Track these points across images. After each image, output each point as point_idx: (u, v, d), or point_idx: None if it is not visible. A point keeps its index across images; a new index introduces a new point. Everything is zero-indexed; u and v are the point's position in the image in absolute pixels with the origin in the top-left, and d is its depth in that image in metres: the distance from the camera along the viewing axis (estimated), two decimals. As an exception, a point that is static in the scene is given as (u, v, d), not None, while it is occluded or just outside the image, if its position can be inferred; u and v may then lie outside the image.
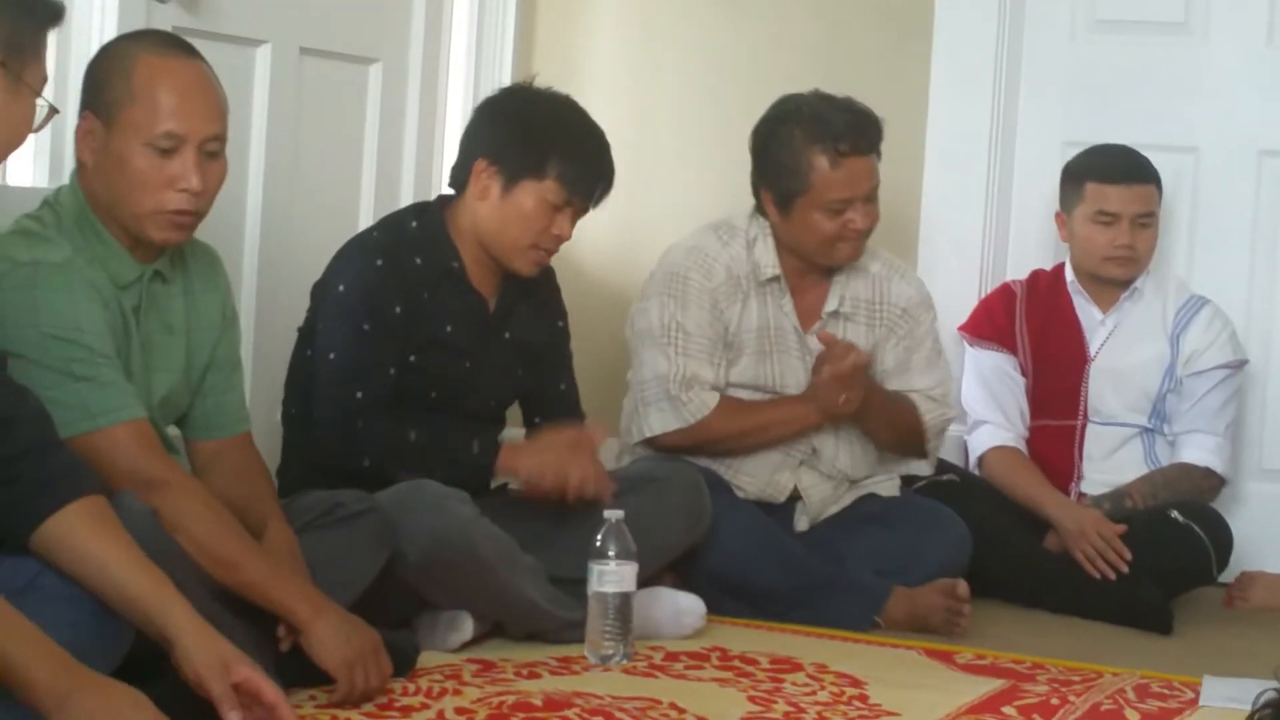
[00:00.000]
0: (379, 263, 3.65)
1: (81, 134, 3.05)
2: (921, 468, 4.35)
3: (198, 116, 3.03)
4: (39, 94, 2.58)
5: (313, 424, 3.64)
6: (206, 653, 2.59)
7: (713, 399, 4.04)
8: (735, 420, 4.06)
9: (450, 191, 3.82)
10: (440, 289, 3.70)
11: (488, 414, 3.84)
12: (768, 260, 4.12)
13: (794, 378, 4.12)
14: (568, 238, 3.74)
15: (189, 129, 3.01)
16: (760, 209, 4.14)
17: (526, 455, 3.68)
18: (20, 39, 2.56)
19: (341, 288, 3.65)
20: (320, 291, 3.72)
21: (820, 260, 4.13)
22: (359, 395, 3.59)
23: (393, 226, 3.77)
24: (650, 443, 4.07)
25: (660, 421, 4.04)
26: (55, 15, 2.65)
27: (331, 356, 3.62)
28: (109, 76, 3.04)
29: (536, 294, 3.87)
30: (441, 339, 3.70)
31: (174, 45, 3.09)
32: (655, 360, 4.05)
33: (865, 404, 4.07)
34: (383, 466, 3.56)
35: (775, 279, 4.12)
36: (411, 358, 3.66)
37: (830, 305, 4.17)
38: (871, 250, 4.20)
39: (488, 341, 3.77)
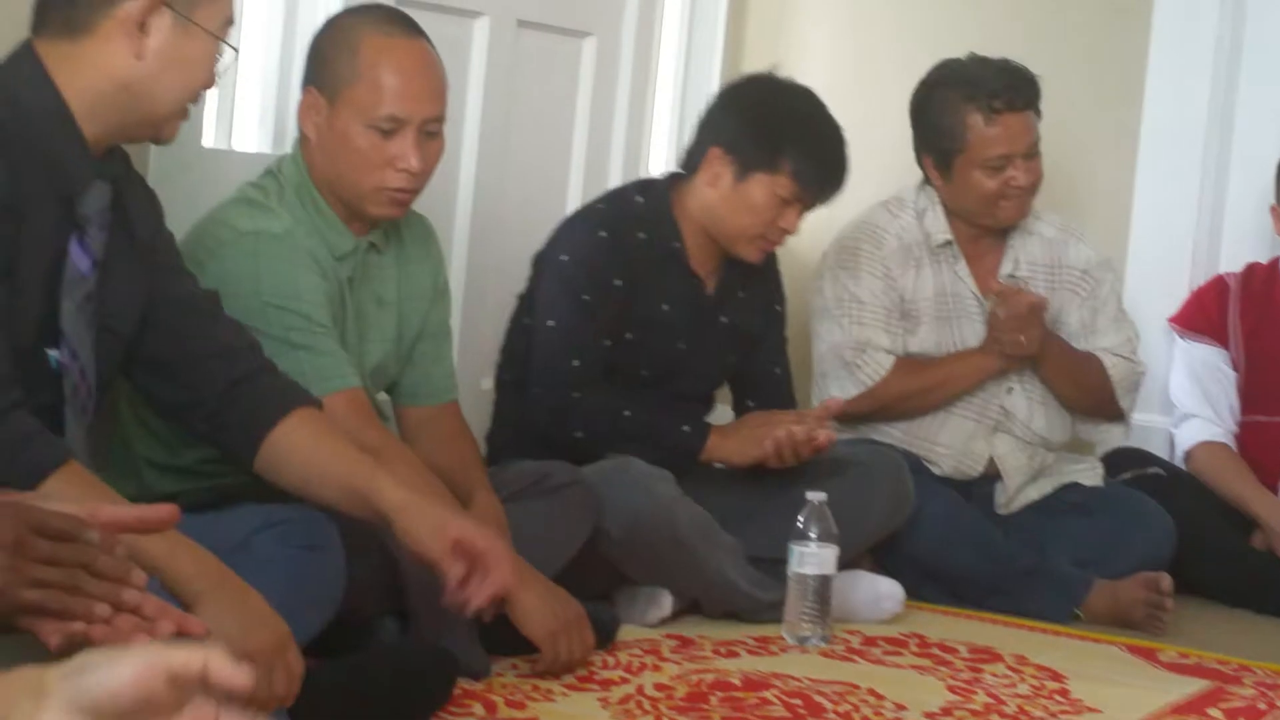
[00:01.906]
0: (602, 234, 3.68)
1: (305, 108, 3.09)
2: (1116, 435, 4.29)
3: (419, 99, 3.05)
4: (217, 35, 2.56)
5: (527, 391, 3.66)
6: (422, 521, 2.62)
7: (888, 361, 4.04)
8: (914, 378, 4.05)
9: (675, 170, 3.83)
10: (660, 268, 3.72)
11: (697, 395, 3.85)
12: (938, 227, 4.12)
13: (976, 342, 4.11)
14: (794, 231, 3.74)
15: (411, 111, 3.03)
16: (926, 179, 4.14)
17: (734, 441, 3.67)
18: None
19: (564, 257, 3.68)
20: (542, 261, 3.74)
21: (986, 221, 4.12)
22: (575, 364, 3.61)
23: (617, 200, 3.79)
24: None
25: (839, 390, 4.03)
26: None
27: (550, 324, 3.65)
28: (335, 53, 3.07)
29: (757, 278, 3.87)
30: (658, 318, 3.72)
31: (399, 23, 3.11)
32: (830, 332, 4.07)
33: (1045, 350, 4.06)
34: (594, 439, 3.58)
35: (947, 244, 4.13)
36: (628, 334, 3.68)
37: (1006, 268, 4.16)
38: (1044, 214, 4.21)
39: (703, 324, 3.78)
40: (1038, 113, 4.08)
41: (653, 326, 3.71)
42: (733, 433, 3.70)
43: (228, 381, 2.66)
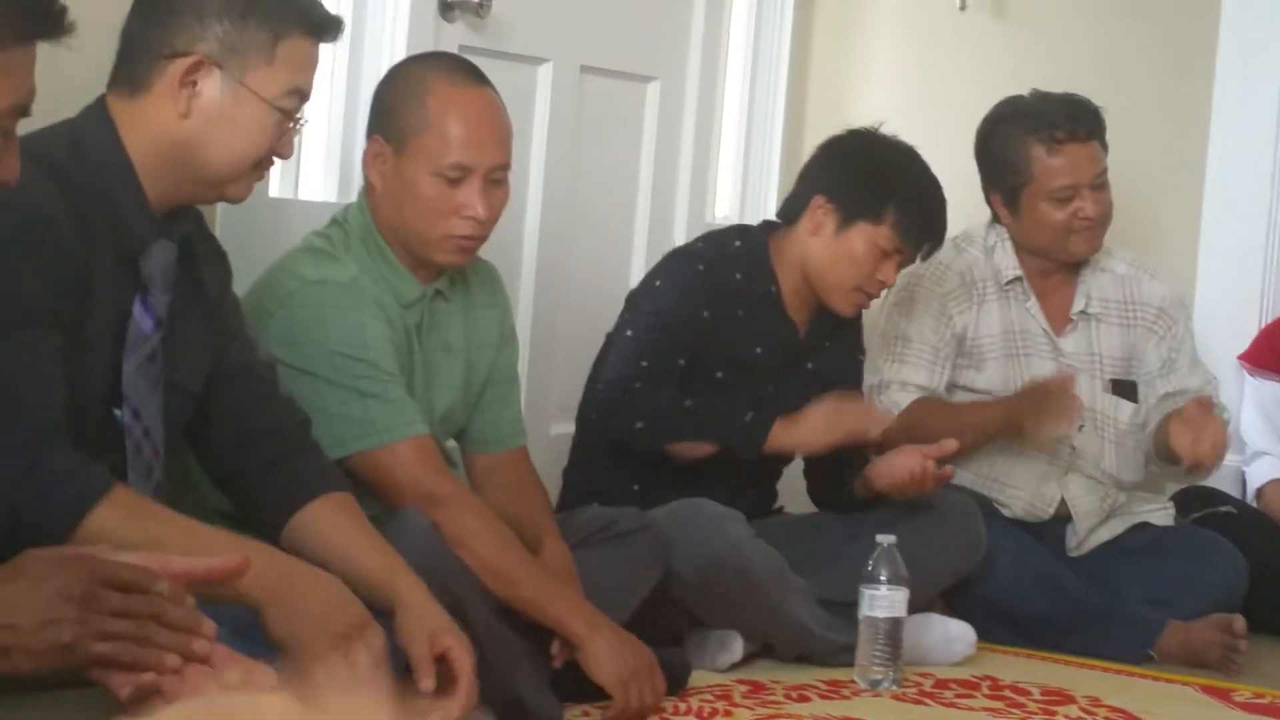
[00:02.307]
0: (700, 267, 3.71)
1: (370, 156, 3.10)
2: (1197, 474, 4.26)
3: (486, 148, 3.07)
4: (272, 103, 2.54)
5: (597, 391, 3.67)
6: (418, 622, 2.63)
7: (905, 399, 4.01)
8: (925, 423, 3.92)
9: (771, 220, 3.88)
10: (755, 309, 3.73)
11: None
12: (1008, 263, 4.11)
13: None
14: (891, 284, 3.78)
15: (477, 160, 3.05)
16: (995, 216, 4.13)
17: (803, 428, 3.61)
18: (239, 39, 2.52)
19: (659, 283, 3.71)
20: (636, 295, 3.76)
21: (1058, 256, 4.11)
22: (643, 365, 3.61)
23: (716, 241, 3.83)
24: None
25: None
26: (298, 22, 2.57)
27: (629, 333, 3.67)
28: (401, 102, 3.08)
29: (844, 327, 3.87)
30: (749, 359, 3.72)
31: (465, 72, 3.12)
32: (869, 373, 4.05)
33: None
34: (654, 431, 3.55)
35: (1017, 280, 4.10)
36: (719, 374, 3.68)
37: (1078, 305, 4.14)
38: (1115, 250, 4.19)
39: (792, 369, 3.79)
40: (1104, 144, 4.07)
41: (744, 367, 3.71)
42: (801, 420, 3.62)
43: (270, 459, 2.69)
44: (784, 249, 3.77)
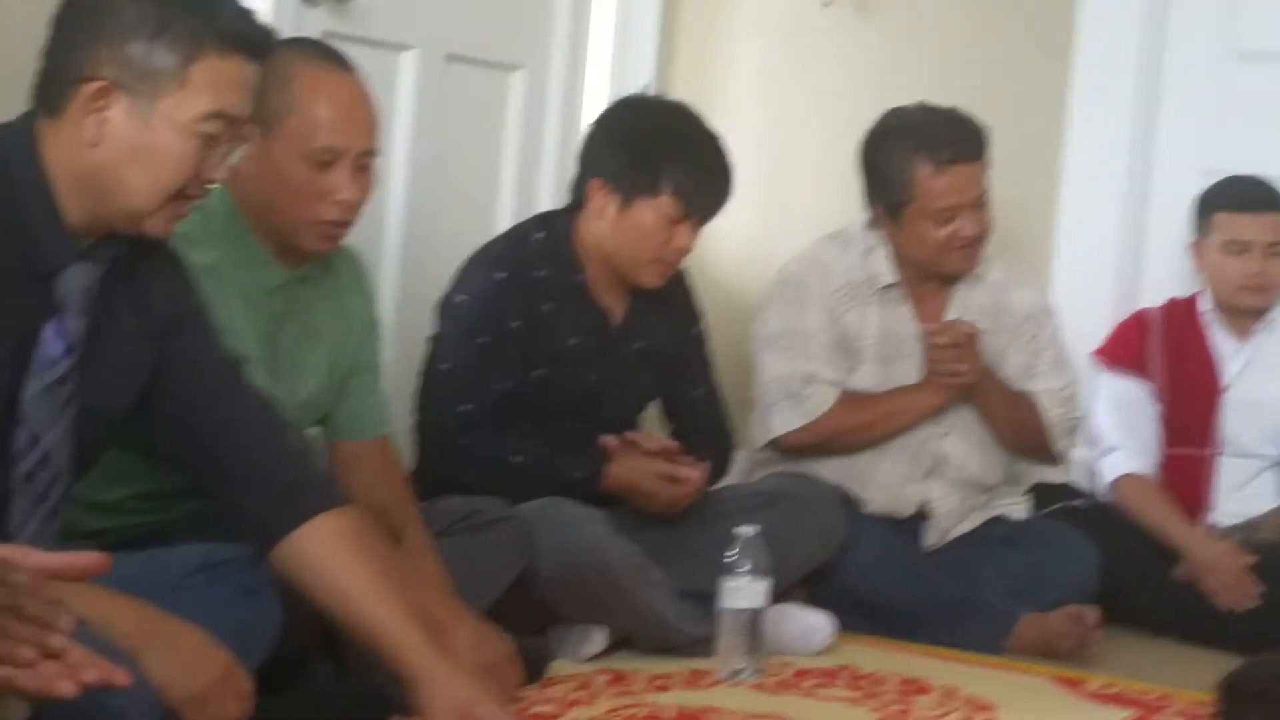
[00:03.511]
0: (500, 275, 3.67)
1: None
2: (1054, 475, 4.33)
3: (354, 131, 3.05)
4: (191, 128, 2.38)
5: (420, 436, 3.65)
6: (440, 696, 2.61)
7: (833, 394, 4.05)
8: (858, 412, 4.05)
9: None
10: (564, 302, 3.72)
11: (620, 423, 3.84)
12: (884, 269, 4.14)
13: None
14: (690, 249, 3.76)
15: (346, 143, 3.03)
16: (874, 221, 4.16)
17: (629, 481, 3.68)
18: (149, 61, 2.36)
19: (461, 298, 3.68)
20: (443, 309, 3.73)
21: (935, 270, 4.15)
22: (467, 408, 3.59)
23: (516, 238, 3.79)
24: (775, 445, 4.08)
25: (783, 421, 4.05)
26: (216, 40, 2.39)
27: (443, 367, 3.64)
28: (267, 87, 2.99)
29: (669, 301, 3.88)
30: (566, 352, 3.72)
31: (333, 58, 3.11)
32: (775, 364, 4.08)
33: (983, 385, 4.09)
34: (486, 487, 3.52)
35: (893, 286, 4.14)
36: (536, 372, 3.68)
37: (951, 314, 4.18)
38: (992, 260, 4.22)
39: (614, 353, 3.78)
40: (986, 163, 4.10)
41: (562, 360, 3.71)
42: (630, 475, 3.69)
43: (251, 467, 2.61)
44: (582, 233, 3.75)
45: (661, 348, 3.87)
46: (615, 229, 3.70)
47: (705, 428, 3.93)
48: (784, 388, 4.06)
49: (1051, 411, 4.19)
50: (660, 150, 3.69)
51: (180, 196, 2.43)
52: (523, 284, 3.67)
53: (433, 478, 3.59)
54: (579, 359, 3.73)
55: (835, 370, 4.08)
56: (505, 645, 3.10)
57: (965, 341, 4.04)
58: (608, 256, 3.74)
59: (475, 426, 3.59)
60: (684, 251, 3.75)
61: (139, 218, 2.41)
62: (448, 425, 3.59)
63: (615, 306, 3.80)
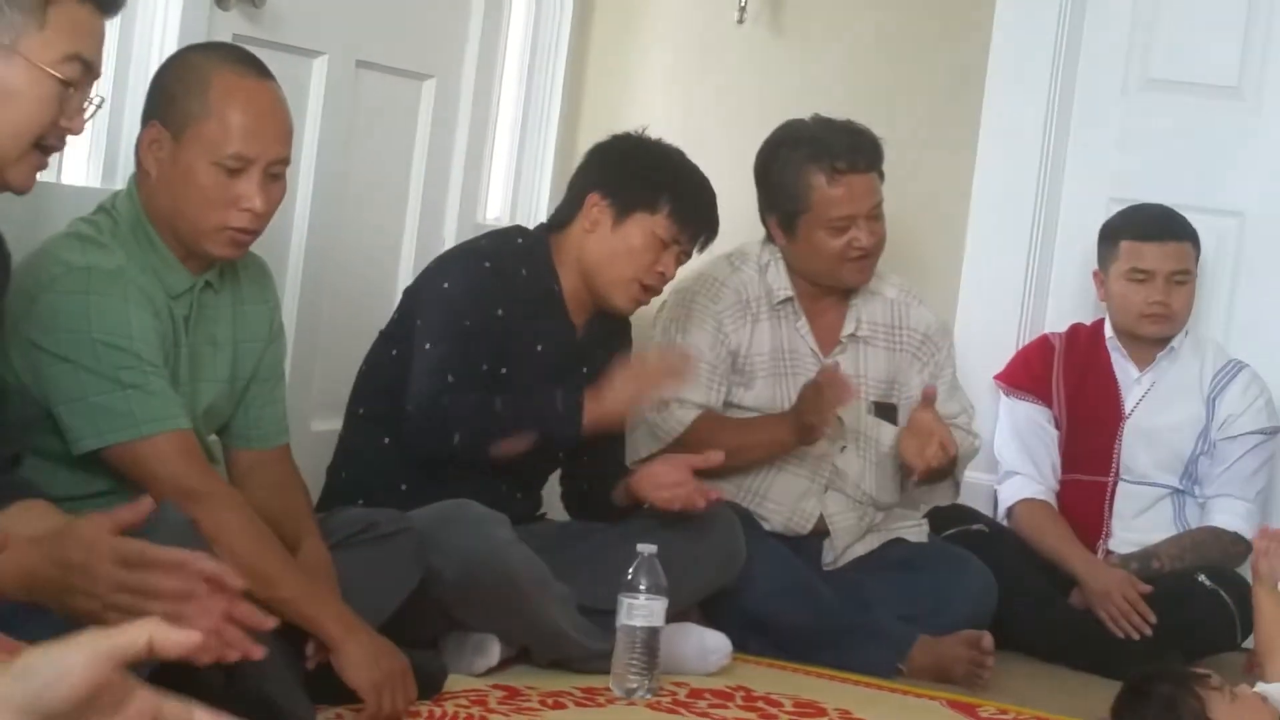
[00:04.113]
0: (487, 264, 3.70)
1: (147, 143, 3.03)
2: (947, 496, 4.34)
3: (267, 140, 3.03)
4: (51, 70, 2.42)
5: (405, 418, 3.63)
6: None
7: (689, 416, 4.04)
8: (709, 441, 3.94)
9: (546, 224, 3.88)
10: (539, 308, 3.74)
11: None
12: (780, 283, 4.15)
13: None
14: (671, 276, 3.79)
15: (258, 151, 3.01)
16: (769, 236, 4.16)
17: (605, 398, 3.63)
18: (6, 2, 2.40)
19: (446, 284, 3.69)
20: (419, 291, 3.73)
21: (829, 282, 4.15)
22: (449, 380, 3.59)
23: (499, 238, 3.84)
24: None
25: (643, 445, 4.06)
26: None
27: (428, 347, 3.63)
28: (183, 90, 3.02)
29: (615, 334, 3.90)
30: (531, 357, 3.73)
31: (250, 64, 3.08)
32: None
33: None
34: (473, 441, 3.56)
35: (788, 301, 4.14)
36: (503, 369, 3.67)
37: (848, 329, 4.19)
38: (886, 275, 4.24)
39: (569, 370, 3.78)
40: (881, 175, 4.12)
41: (527, 364, 3.71)
42: (605, 388, 3.64)
43: None
44: (562, 250, 3.78)
45: (603, 377, 3.86)
46: (604, 242, 3.73)
47: (615, 462, 3.91)
48: (646, 411, 4.06)
49: (958, 442, 4.18)
50: (663, 172, 3.78)
51: (40, 147, 2.46)
52: (506, 276, 3.70)
53: (420, 447, 3.60)
54: (543, 367, 3.73)
55: (707, 393, 4.07)
56: (400, 661, 3.09)
57: (844, 395, 3.94)
58: (590, 271, 3.76)
59: (457, 391, 3.58)
60: (664, 278, 3.79)
61: (2, 166, 2.44)
62: (433, 397, 3.58)
63: (581, 326, 3.82)
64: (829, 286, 4.17)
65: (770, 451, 4.08)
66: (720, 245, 4.22)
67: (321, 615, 3.02)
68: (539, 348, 3.74)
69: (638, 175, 3.76)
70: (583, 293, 3.79)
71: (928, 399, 4.04)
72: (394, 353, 3.70)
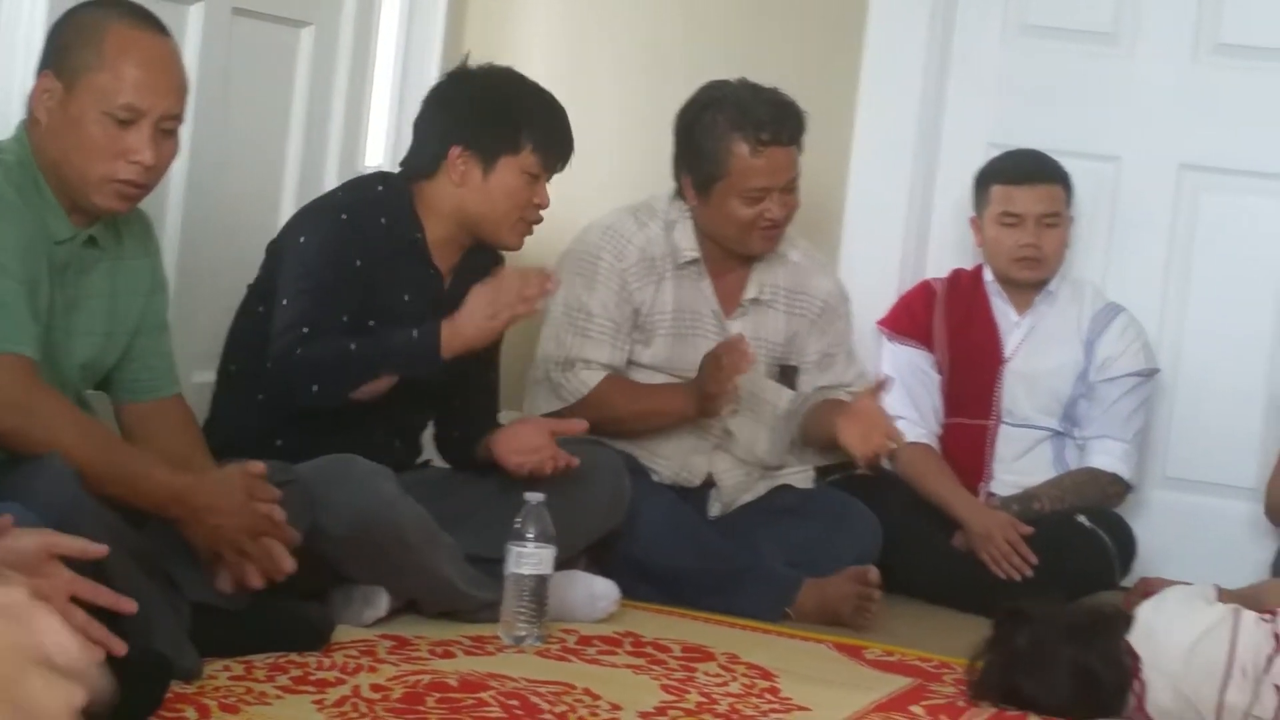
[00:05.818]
0: (343, 217, 3.65)
1: (39, 91, 3.03)
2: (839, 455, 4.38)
3: (160, 93, 3.03)
4: None
5: (266, 371, 3.58)
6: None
7: (593, 379, 4.04)
8: (612, 406, 4.02)
9: (405, 171, 3.81)
10: (401, 257, 3.69)
11: (436, 388, 3.78)
12: (687, 243, 4.13)
13: None
14: (548, 205, 3.75)
15: (150, 104, 3.01)
16: (680, 193, 4.14)
17: (463, 324, 3.56)
18: None
19: (303, 239, 3.64)
20: (278, 248, 3.69)
21: (736, 249, 4.15)
22: (305, 332, 3.54)
23: (357, 188, 3.79)
24: None
25: (544, 402, 4.06)
26: None
27: (285, 302, 3.58)
28: (77, 40, 3.03)
29: (486, 279, 3.86)
30: (398, 307, 3.67)
31: (147, 19, 3.08)
32: (548, 341, 4.09)
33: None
34: (331, 387, 3.51)
35: (694, 262, 4.13)
36: (370, 322, 3.64)
37: (750, 292, 4.19)
38: (791, 239, 4.23)
39: (441, 317, 3.74)
40: (800, 147, 4.10)
41: (393, 315, 3.66)
42: (462, 314, 3.56)
43: None
44: (430, 199, 3.73)
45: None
46: (480, 194, 3.69)
47: (486, 410, 3.89)
48: (546, 368, 4.05)
49: None
50: (514, 109, 3.73)
51: None
52: (364, 227, 3.65)
53: (282, 401, 3.57)
54: (410, 316, 3.67)
55: (611, 352, 4.07)
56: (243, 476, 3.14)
57: (742, 364, 3.91)
58: (470, 222, 3.72)
59: (313, 340, 3.53)
60: (543, 207, 3.75)
61: None
62: (289, 348, 3.53)
63: (448, 273, 3.78)
64: (734, 250, 4.16)
65: (672, 419, 4.09)
66: (610, 195, 4.22)
67: (167, 475, 3.03)
68: (405, 297, 3.70)
69: (492, 119, 3.70)
70: (451, 240, 3.74)
71: (879, 387, 4.04)
72: (260, 309, 3.66)
